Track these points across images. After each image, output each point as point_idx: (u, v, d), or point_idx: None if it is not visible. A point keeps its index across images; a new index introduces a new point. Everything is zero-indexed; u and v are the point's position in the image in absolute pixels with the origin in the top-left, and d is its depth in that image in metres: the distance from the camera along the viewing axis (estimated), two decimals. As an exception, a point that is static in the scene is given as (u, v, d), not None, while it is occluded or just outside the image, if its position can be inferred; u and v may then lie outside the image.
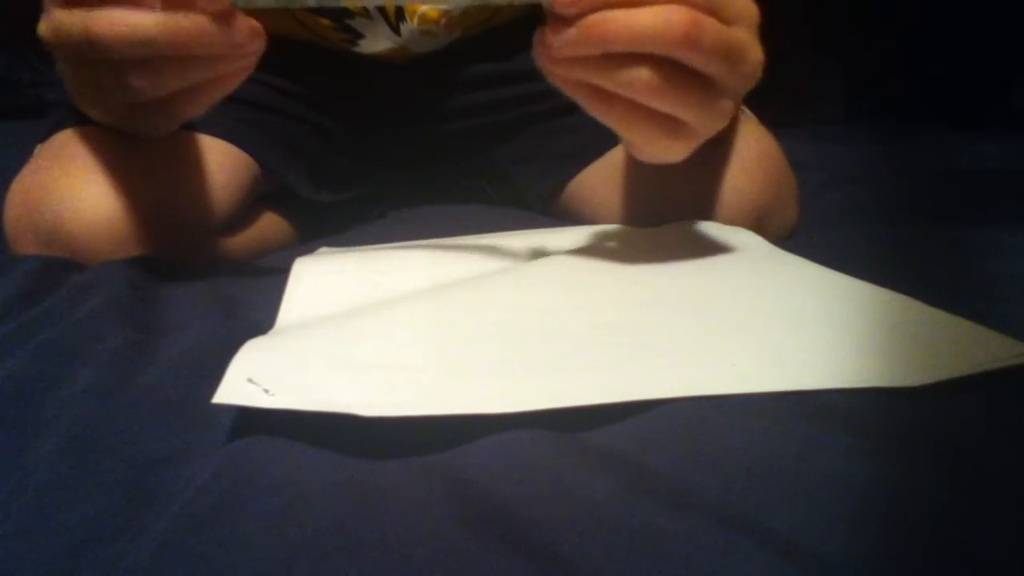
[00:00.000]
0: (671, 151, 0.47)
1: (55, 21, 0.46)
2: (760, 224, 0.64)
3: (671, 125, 0.45)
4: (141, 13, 0.43)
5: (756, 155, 0.67)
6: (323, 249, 0.61)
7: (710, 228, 0.60)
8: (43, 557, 0.31)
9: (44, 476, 0.35)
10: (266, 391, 0.34)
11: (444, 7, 0.71)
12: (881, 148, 1.18)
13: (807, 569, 0.27)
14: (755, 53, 0.45)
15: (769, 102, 0.77)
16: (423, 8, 0.71)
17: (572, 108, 0.48)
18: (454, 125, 0.79)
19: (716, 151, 0.66)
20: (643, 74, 0.42)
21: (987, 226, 0.71)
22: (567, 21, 0.42)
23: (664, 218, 0.64)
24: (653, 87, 0.42)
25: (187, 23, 0.42)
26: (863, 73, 1.47)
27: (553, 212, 0.78)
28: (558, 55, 0.42)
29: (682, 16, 0.41)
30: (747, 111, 0.74)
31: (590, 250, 0.53)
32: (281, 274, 0.53)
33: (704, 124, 0.46)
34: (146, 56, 0.44)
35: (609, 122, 0.46)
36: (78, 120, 0.67)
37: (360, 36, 0.74)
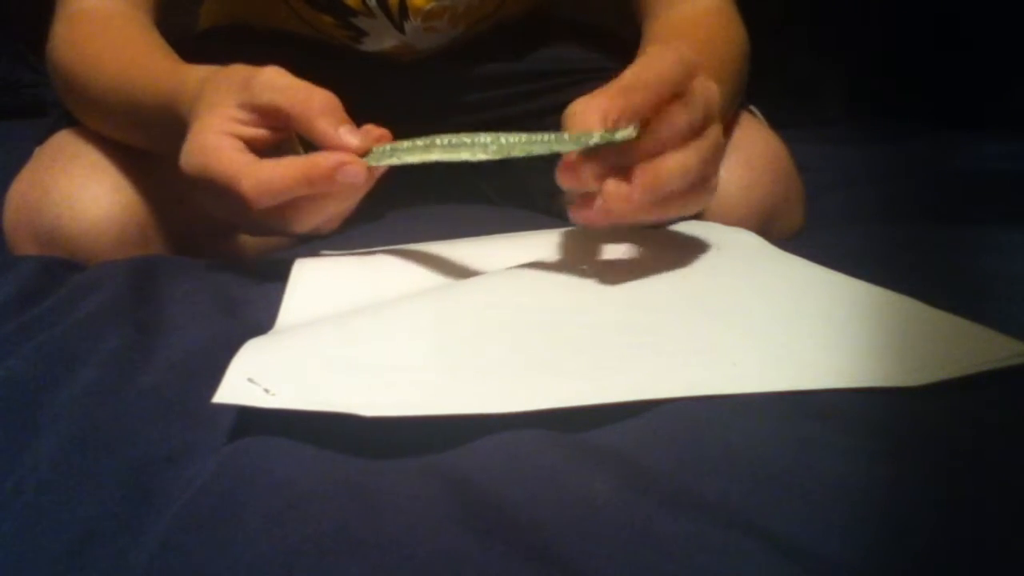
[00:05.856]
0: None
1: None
2: (767, 225, 0.64)
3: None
4: (275, 170, 0.47)
5: (764, 156, 0.67)
6: (323, 251, 0.61)
7: (710, 228, 0.60)
8: (43, 557, 0.31)
9: (44, 476, 0.35)
10: (266, 391, 0.34)
11: None
12: (881, 148, 1.17)
13: (807, 569, 0.27)
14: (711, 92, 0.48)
15: (769, 102, 0.77)
16: (427, 6, 0.71)
17: None
18: (457, 123, 0.79)
19: (725, 151, 0.66)
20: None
21: (987, 226, 0.71)
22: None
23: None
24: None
25: (317, 174, 0.47)
26: (863, 73, 1.47)
27: (555, 212, 0.78)
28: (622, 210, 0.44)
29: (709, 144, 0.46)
30: (757, 113, 0.74)
31: (590, 250, 0.53)
32: (281, 274, 0.53)
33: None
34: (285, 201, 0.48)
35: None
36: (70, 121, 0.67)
37: (364, 34, 0.74)
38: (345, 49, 0.76)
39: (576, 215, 0.45)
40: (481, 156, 0.47)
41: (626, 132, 0.43)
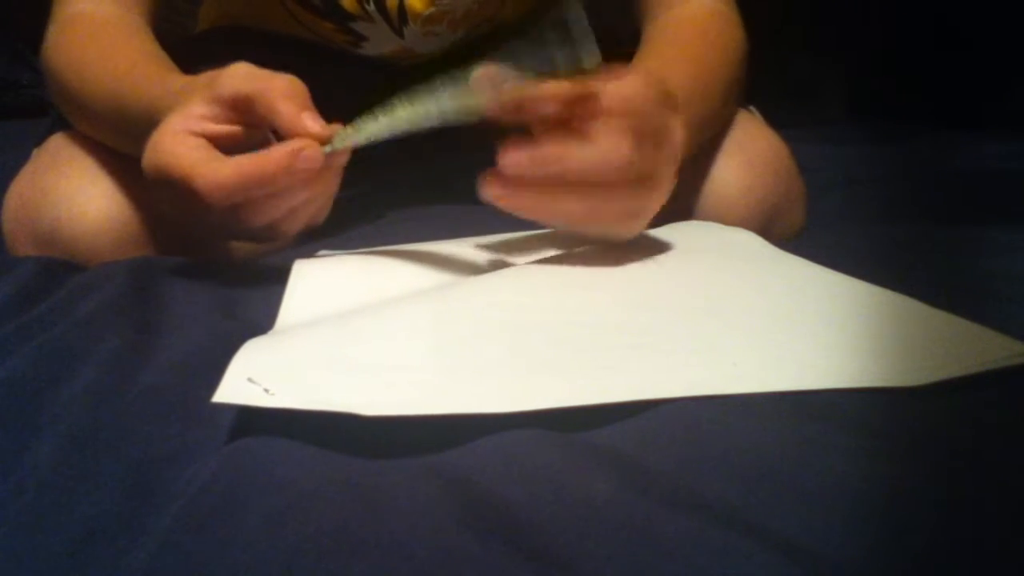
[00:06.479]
0: (630, 230, 0.51)
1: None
2: (768, 224, 0.64)
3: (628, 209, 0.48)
4: (228, 168, 0.47)
5: (766, 155, 0.67)
6: (322, 252, 0.61)
7: (710, 228, 0.60)
8: (43, 556, 0.31)
9: (45, 476, 0.35)
10: (266, 390, 0.34)
11: None
12: (881, 148, 1.18)
13: (807, 569, 0.27)
14: (675, 136, 0.48)
15: (769, 102, 0.77)
16: (426, 11, 0.71)
17: None
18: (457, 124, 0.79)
19: (725, 151, 0.66)
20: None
21: (987, 226, 0.71)
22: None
23: (668, 217, 0.64)
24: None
25: (272, 166, 0.46)
26: (863, 73, 1.47)
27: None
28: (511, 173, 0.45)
29: (621, 153, 0.45)
30: (756, 113, 0.74)
31: (590, 250, 0.53)
32: (281, 275, 0.53)
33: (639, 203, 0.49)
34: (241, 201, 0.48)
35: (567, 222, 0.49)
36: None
37: (363, 39, 0.74)
38: (344, 53, 0.76)
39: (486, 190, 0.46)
40: (446, 101, 0.46)
41: (591, 58, 0.44)
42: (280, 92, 0.48)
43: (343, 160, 0.49)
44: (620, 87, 0.46)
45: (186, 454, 0.36)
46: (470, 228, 0.63)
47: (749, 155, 0.67)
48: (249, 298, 0.53)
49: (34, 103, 1.45)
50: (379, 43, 0.74)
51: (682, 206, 0.66)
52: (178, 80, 0.55)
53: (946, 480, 0.32)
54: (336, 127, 0.49)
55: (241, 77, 0.49)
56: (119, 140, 0.62)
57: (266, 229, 0.50)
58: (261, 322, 0.47)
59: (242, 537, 0.29)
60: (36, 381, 0.42)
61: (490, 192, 0.45)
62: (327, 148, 0.48)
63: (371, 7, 0.70)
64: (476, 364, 0.38)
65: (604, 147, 0.45)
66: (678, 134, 0.49)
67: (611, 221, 0.49)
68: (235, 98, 0.49)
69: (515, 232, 0.61)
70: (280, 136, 0.49)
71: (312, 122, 0.48)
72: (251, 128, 0.50)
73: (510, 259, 0.53)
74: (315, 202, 0.50)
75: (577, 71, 0.45)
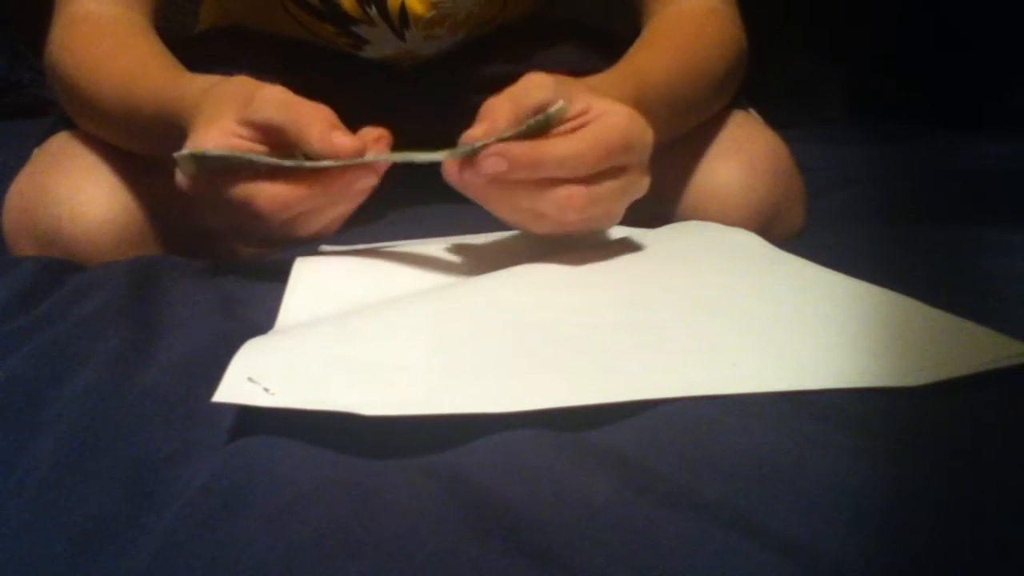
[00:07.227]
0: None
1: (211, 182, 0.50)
2: (768, 225, 0.64)
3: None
4: (286, 187, 0.48)
5: (765, 155, 0.67)
6: (323, 249, 0.61)
7: (710, 228, 0.60)
8: (43, 556, 0.31)
9: (44, 475, 0.35)
10: (266, 390, 0.34)
11: None
12: (881, 148, 1.17)
13: (807, 569, 0.27)
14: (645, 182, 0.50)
15: (769, 102, 0.77)
16: (428, 14, 0.71)
17: None
18: (459, 125, 0.79)
19: (724, 152, 0.66)
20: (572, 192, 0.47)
21: (987, 226, 0.71)
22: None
23: (667, 218, 0.64)
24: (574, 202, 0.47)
25: (323, 188, 0.49)
26: (863, 73, 1.47)
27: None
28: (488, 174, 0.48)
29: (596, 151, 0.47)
30: (754, 113, 0.74)
31: (590, 250, 0.53)
32: (281, 274, 0.53)
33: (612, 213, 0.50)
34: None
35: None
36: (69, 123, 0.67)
37: (365, 42, 0.74)
38: (345, 55, 0.76)
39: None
40: (437, 157, 0.50)
41: (558, 107, 0.47)
42: (308, 120, 0.49)
43: (372, 179, 0.51)
44: (610, 119, 0.48)
45: (186, 454, 0.36)
46: (470, 228, 0.63)
47: (749, 155, 0.67)
48: (249, 298, 0.53)
49: (35, 103, 1.45)
50: (380, 46, 0.74)
51: (681, 206, 0.66)
52: (193, 82, 0.55)
53: (946, 480, 0.32)
54: (370, 134, 0.51)
55: (273, 105, 0.49)
56: (129, 140, 0.62)
57: (281, 228, 0.51)
58: (261, 322, 0.47)
59: (242, 537, 0.29)
60: (36, 381, 0.42)
61: (465, 177, 0.49)
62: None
63: (372, 10, 0.70)
64: (476, 364, 0.38)
65: (579, 145, 0.46)
66: (645, 181, 0.50)
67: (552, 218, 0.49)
68: (267, 125, 0.49)
69: (516, 232, 0.61)
70: (311, 157, 0.49)
71: (342, 139, 0.49)
72: (278, 150, 0.50)
73: (510, 259, 0.53)
74: (346, 212, 0.51)
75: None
